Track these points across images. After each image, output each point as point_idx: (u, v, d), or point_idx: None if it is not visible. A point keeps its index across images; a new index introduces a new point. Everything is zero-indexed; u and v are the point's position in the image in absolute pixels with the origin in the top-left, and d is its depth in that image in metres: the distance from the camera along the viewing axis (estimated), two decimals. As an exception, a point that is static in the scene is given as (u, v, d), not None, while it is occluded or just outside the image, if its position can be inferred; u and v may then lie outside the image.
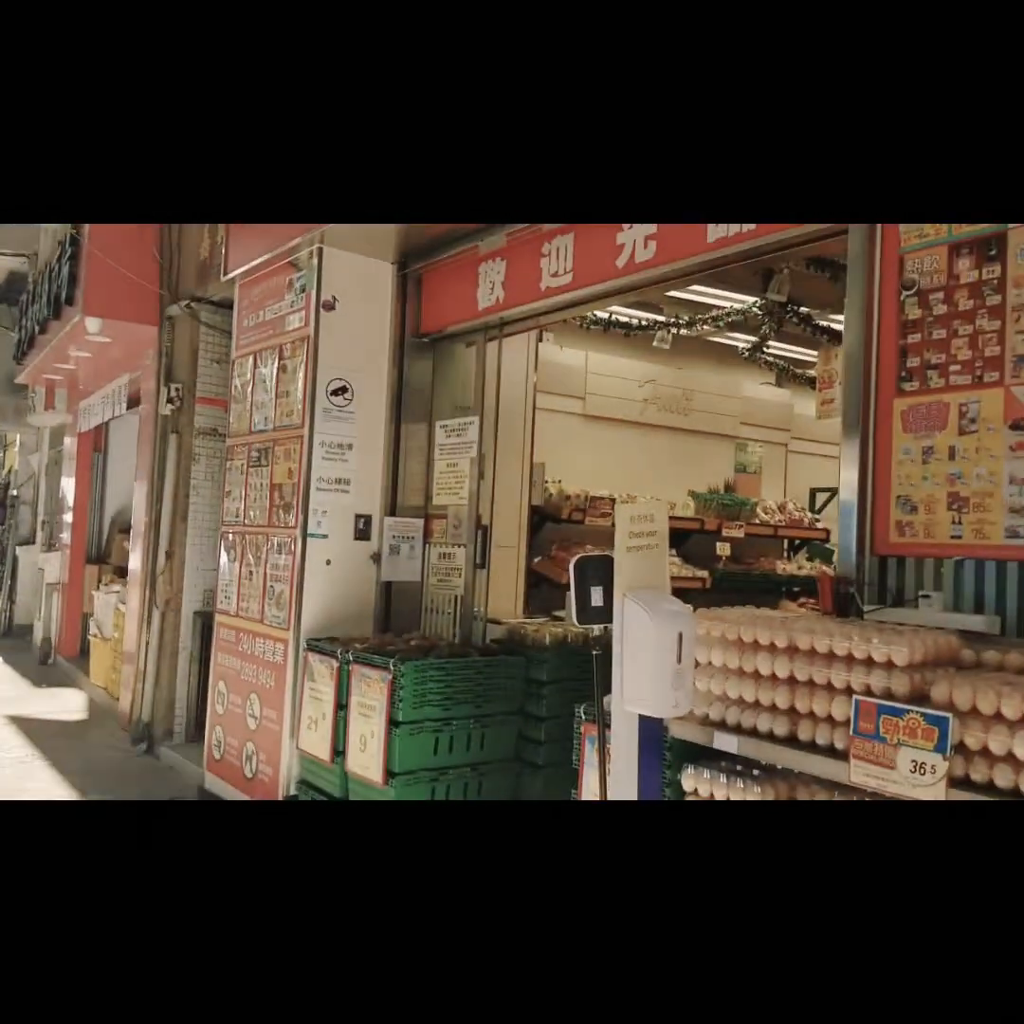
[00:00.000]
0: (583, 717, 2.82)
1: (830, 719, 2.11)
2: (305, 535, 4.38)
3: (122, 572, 8.25)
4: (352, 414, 4.51)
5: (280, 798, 4.37)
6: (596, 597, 2.32)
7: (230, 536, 5.06)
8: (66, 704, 7.32)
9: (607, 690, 2.32)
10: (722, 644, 2.33)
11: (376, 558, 4.56)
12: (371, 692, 3.81)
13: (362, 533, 4.53)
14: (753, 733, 2.25)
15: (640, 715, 2.24)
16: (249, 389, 4.98)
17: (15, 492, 11.45)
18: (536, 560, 5.79)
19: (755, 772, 2.33)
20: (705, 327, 5.86)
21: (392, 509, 4.66)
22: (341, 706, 3.99)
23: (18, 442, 12.09)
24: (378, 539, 4.57)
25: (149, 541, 6.20)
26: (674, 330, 5.76)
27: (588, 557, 2.33)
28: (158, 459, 6.15)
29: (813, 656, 2.16)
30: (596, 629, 2.36)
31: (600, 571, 2.31)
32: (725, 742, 2.27)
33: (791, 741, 2.18)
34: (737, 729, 2.28)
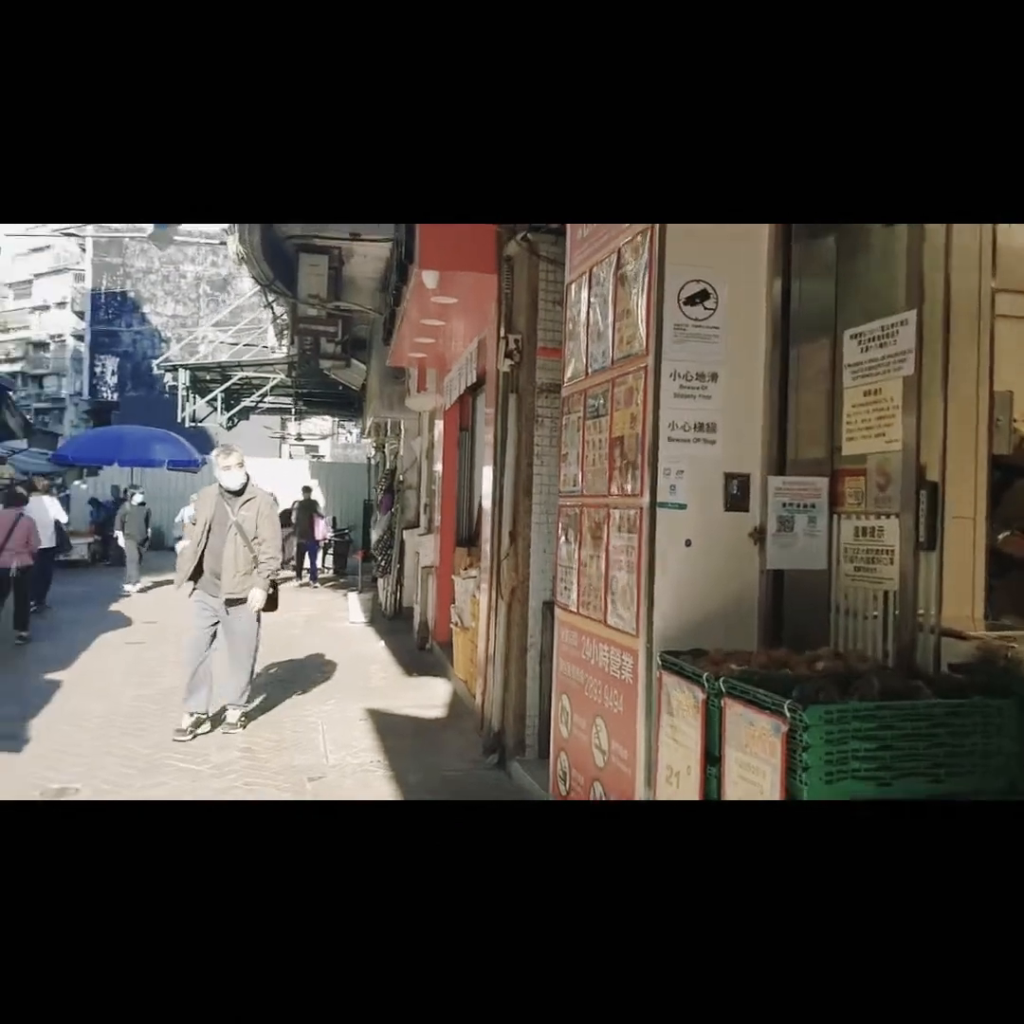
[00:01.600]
0: None
1: None
2: (654, 504, 3.11)
3: (486, 555, 7.72)
4: (716, 330, 3.14)
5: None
6: None
7: (567, 510, 3.97)
8: (429, 697, 6.88)
9: None
10: None
11: (758, 536, 3.15)
12: (757, 747, 2.43)
13: (736, 500, 3.15)
14: None
15: None
16: (583, 319, 3.83)
17: (401, 477, 11.69)
18: (1001, 536, 3.94)
19: None
20: None
21: (779, 465, 3.21)
22: (712, 759, 2.67)
23: (403, 428, 12.37)
24: (760, 509, 3.15)
25: (495, 521, 5.39)
26: None
27: None
28: (499, 425, 5.30)
29: None
30: None
31: None
32: None
33: None
34: None
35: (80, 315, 46.07)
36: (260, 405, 16.82)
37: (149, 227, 13.24)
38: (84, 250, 43.13)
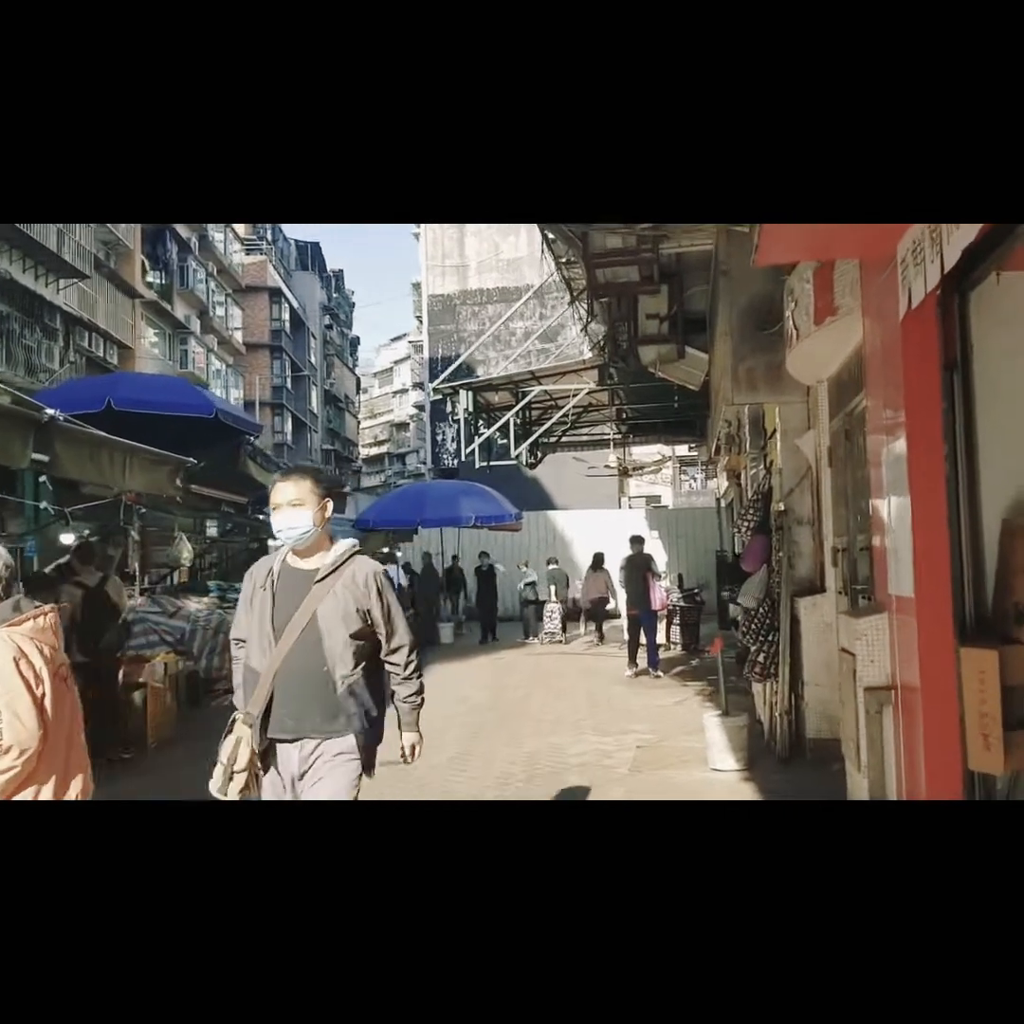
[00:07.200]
0: None
1: None
2: None
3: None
4: None
5: None
6: None
7: None
8: None
9: None
10: None
11: None
12: None
13: None
14: None
15: None
16: None
17: (780, 505, 6.78)
18: None
19: None
20: None
21: None
22: None
23: (777, 424, 7.36)
24: None
25: None
26: None
27: None
28: None
29: None
30: None
31: None
32: None
33: None
34: None
35: (420, 386, 46.90)
36: (565, 437, 12.84)
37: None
38: (420, 320, 43.76)
